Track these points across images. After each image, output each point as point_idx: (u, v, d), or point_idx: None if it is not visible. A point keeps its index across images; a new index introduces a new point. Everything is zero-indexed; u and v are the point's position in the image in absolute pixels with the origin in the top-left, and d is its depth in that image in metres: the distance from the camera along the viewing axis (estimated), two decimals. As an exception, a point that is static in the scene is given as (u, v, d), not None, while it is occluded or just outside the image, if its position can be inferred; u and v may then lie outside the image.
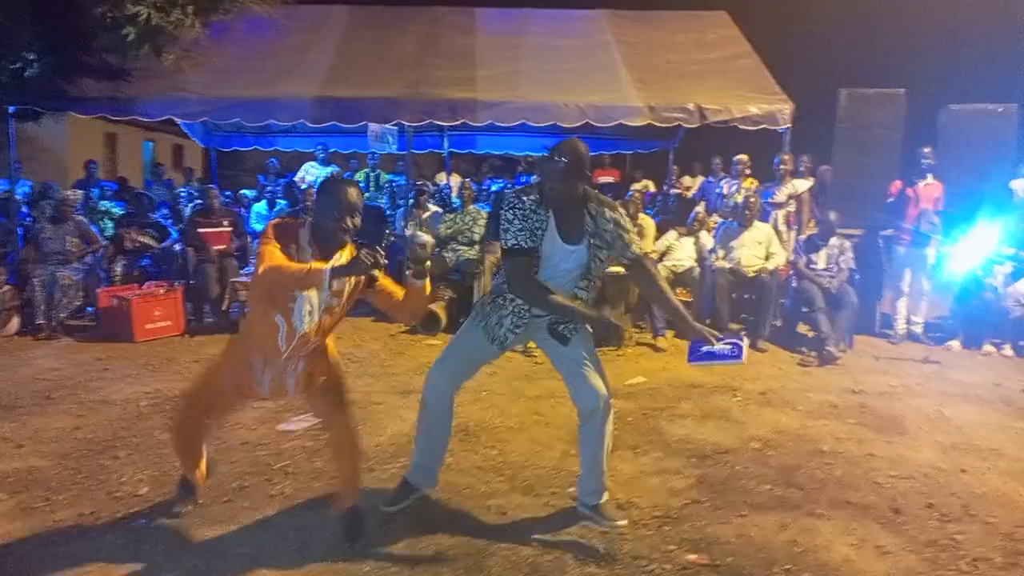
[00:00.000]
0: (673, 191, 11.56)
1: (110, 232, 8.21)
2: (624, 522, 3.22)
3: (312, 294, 2.81)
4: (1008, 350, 6.70)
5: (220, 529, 3.18)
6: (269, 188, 10.55)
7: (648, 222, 6.96)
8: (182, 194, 10.63)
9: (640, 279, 3.24)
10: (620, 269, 6.37)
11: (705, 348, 3.08)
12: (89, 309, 7.28)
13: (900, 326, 7.09)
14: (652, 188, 12.45)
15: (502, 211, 3.02)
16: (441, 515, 3.34)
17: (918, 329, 7.11)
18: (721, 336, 3.13)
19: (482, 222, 7.53)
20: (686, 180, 12.41)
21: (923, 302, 7.12)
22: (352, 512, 3.14)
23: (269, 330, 2.88)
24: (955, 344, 6.86)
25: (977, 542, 3.15)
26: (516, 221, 2.94)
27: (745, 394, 5.20)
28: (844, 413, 4.85)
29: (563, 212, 2.97)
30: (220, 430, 4.19)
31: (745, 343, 3.20)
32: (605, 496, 3.24)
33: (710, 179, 11.05)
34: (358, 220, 2.82)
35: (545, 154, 2.90)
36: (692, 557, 2.97)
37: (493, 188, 11.36)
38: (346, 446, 3.08)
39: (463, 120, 7.37)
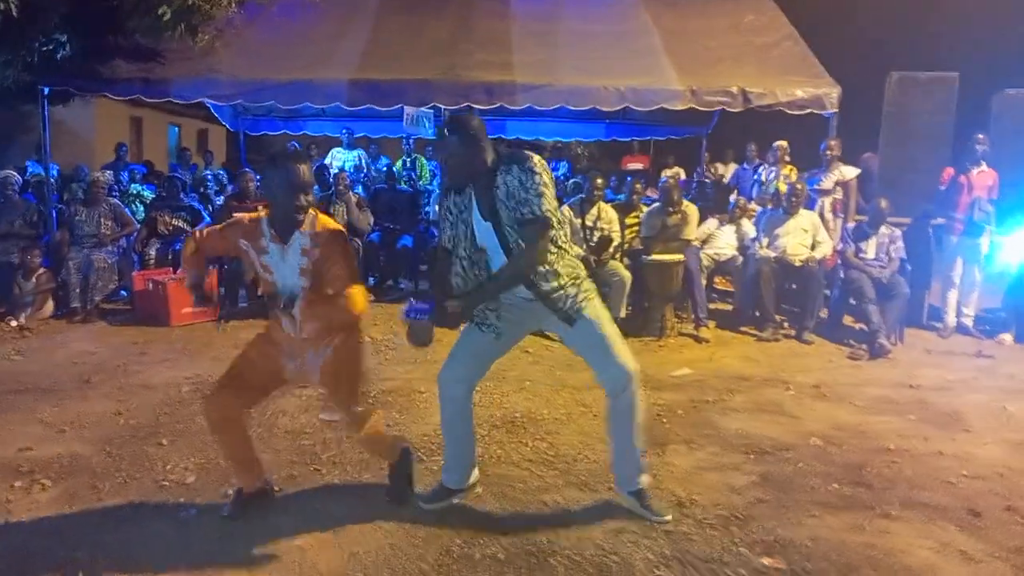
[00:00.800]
0: (706, 178, 11.36)
1: (141, 215, 8.16)
2: (669, 517, 3.10)
3: (280, 275, 2.88)
4: (1063, 344, 6.48)
5: (272, 520, 3.08)
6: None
7: (692, 209, 6.77)
8: (208, 178, 10.57)
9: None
10: (663, 257, 6.21)
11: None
12: (123, 293, 7.24)
13: (950, 318, 6.88)
14: (683, 175, 12.24)
15: None
16: (498, 511, 3.22)
17: (968, 322, 6.89)
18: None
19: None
20: (718, 167, 12.19)
21: (974, 294, 6.90)
22: (395, 469, 3.28)
23: (275, 314, 2.98)
24: (1007, 337, 6.64)
25: (1066, 549, 2.99)
26: (440, 220, 3.07)
27: (797, 387, 5.03)
28: (903, 408, 4.68)
29: (479, 189, 2.87)
30: (260, 417, 4.14)
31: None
32: (646, 479, 3.14)
33: (744, 166, 10.85)
34: (311, 197, 2.80)
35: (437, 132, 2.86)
36: (767, 561, 2.83)
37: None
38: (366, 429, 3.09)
39: (501, 103, 7.21)
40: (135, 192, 8.89)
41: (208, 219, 7.92)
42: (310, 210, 2.84)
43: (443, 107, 7.25)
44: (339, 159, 9.85)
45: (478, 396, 4.64)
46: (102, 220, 7.01)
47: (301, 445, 3.88)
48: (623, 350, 2.99)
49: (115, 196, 7.59)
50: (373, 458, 3.57)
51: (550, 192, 2.82)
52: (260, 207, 7.38)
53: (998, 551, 2.96)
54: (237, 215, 3.10)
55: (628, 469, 3.13)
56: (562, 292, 2.95)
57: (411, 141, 9.96)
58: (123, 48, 7.45)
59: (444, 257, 3.05)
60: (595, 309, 3.01)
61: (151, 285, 6.59)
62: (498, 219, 2.84)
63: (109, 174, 8.41)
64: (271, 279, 2.92)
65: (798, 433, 4.18)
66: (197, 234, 3.14)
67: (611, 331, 3.00)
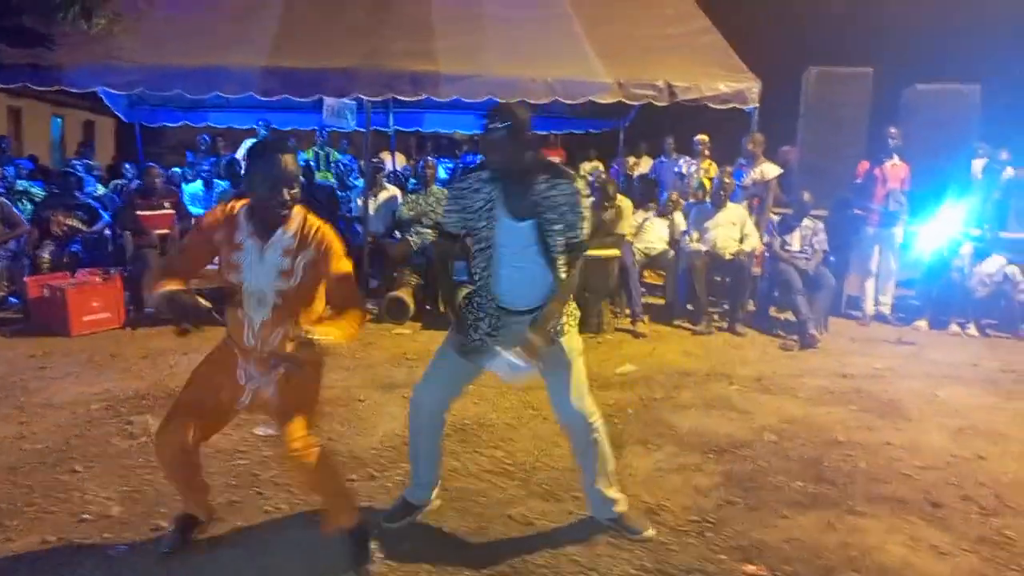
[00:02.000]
0: (625, 172, 11.42)
1: (28, 214, 7.45)
2: (652, 532, 2.98)
3: (252, 275, 2.52)
4: (973, 329, 6.80)
5: (218, 554, 2.78)
6: (205, 167, 9.86)
7: (627, 203, 6.71)
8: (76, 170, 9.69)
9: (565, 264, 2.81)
10: (599, 252, 6.13)
11: (504, 358, 2.70)
12: (12, 300, 6.60)
13: (869, 306, 7.11)
14: (601, 168, 12.26)
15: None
16: (464, 529, 3.03)
17: (886, 310, 7.14)
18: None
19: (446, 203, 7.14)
20: (631, 160, 12.27)
21: (891, 282, 7.15)
22: (353, 533, 2.74)
23: (236, 323, 2.60)
24: (922, 324, 6.91)
25: (1026, 536, 3.05)
26: (447, 202, 2.84)
27: (740, 381, 5.04)
28: (843, 399, 4.75)
29: (511, 186, 2.70)
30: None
31: (534, 371, 2.77)
32: (623, 505, 3.02)
33: (663, 159, 10.93)
34: (296, 191, 2.50)
35: (483, 123, 2.62)
36: (750, 568, 2.76)
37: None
38: (316, 465, 2.55)
39: (426, 95, 6.94)
40: (21, 189, 8.10)
41: (107, 218, 7.32)
42: (296, 207, 2.54)
43: (365, 98, 6.93)
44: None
45: (423, 403, 4.44)
46: (-13, 221, 6.36)
47: (237, 466, 3.56)
48: (584, 391, 2.87)
49: (1, 194, 6.90)
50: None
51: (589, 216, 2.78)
52: (166, 204, 7.01)
53: (965, 543, 2.99)
54: (207, 212, 2.69)
55: (600, 500, 3.01)
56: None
57: (325, 133, 9.52)
58: (6, 31, 6.75)
59: (448, 243, 2.89)
60: (574, 339, 2.89)
61: (48, 291, 6.00)
62: (537, 224, 2.69)
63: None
64: (237, 279, 2.53)
65: (751, 429, 4.16)
66: (167, 260, 2.77)
67: (580, 368, 2.88)
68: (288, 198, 2.47)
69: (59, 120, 20.30)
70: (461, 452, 3.76)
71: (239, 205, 2.58)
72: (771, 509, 3.23)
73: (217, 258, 2.60)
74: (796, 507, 3.26)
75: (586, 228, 2.76)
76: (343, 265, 2.57)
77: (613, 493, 3.00)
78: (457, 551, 2.85)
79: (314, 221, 2.59)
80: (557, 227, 2.69)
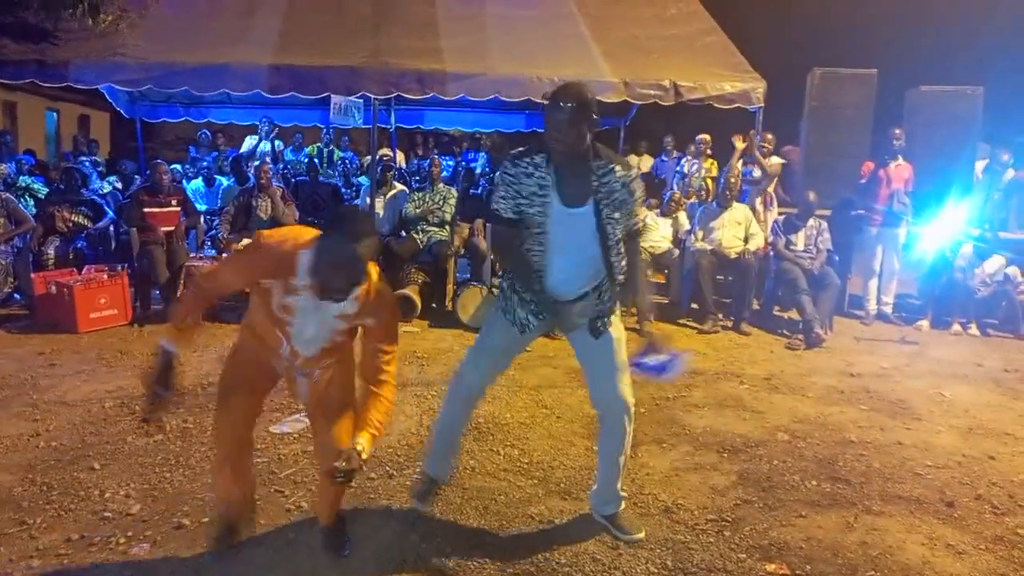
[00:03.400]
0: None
1: (32, 211, 7.43)
2: (642, 535, 2.95)
3: (304, 323, 2.40)
4: (974, 329, 6.85)
5: (244, 552, 2.79)
6: (205, 164, 9.84)
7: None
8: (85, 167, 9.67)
9: (627, 253, 2.79)
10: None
11: (647, 361, 2.80)
12: (16, 296, 6.58)
13: (871, 306, 7.15)
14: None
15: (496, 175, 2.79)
16: (485, 528, 3.05)
17: (888, 309, 7.19)
18: (661, 350, 2.83)
19: (452, 201, 7.16)
20: (632, 159, 12.29)
21: (893, 282, 7.20)
22: (329, 527, 2.82)
23: (269, 335, 2.50)
24: (924, 324, 6.96)
25: (1041, 535, 3.09)
26: (500, 187, 2.70)
27: (750, 380, 5.07)
28: (852, 398, 4.78)
29: (566, 170, 2.60)
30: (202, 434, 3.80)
31: (683, 358, 2.84)
32: (622, 505, 3.05)
33: (663, 158, 10.97)
34: (361, 281, 2.28)
35: (548, 103, 2.50)
36: (771, 568, 2.78)
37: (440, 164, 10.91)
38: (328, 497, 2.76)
39: (433, 93, 6.94)
40: (24, 185, 8.08)
41: (112, 215, 7.30)
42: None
43: (372, 96, 6.93)
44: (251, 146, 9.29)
45: (437, 401, 4.45)
46: (-8, 217, 6.34)
47: (255, 464, 3.56)
48: (627, 379, 2.84)
49: (2, 190, 6.87)
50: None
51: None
52: (173, 201, 6.98)
53: (981, 542, 3.02)
54: (264, 241, 2.38)
55: (607, 495, 3.03)
56: (608, 302, 2.80)
57: (331, 131, 9.51)
58: (11, 27, 6.72)
59: (512, 230, 2.75)
60: (619, 328, 2.86)
61: (55, 288, 5.99)
62: (595, 211, 2.60)
63: (4, 166, 7.61)
64: (288, 322, 2.39)
65: (764, 428, 4.19)
66: (200, 283, 2.57)
67: (624, 357, 2.84)
68: (349, 289, 2.26)
69: (54, 114, 20.20)
70: (477, 451, 3.77)
71: (301, 245, 2.30)
72: (788, 508, 3.26)
73: (263, 287, 2.40)
74: (813, 506, 3.28)
75: (641, 214, 2.77)
76: (393, 341, 2.49)
77: (621, 490, 3.04)
78: (479, 549, 2.87)
79: (378, 286, 2.41)
80: (616, 215, 2.62)
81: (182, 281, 6.34)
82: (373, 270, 2.39)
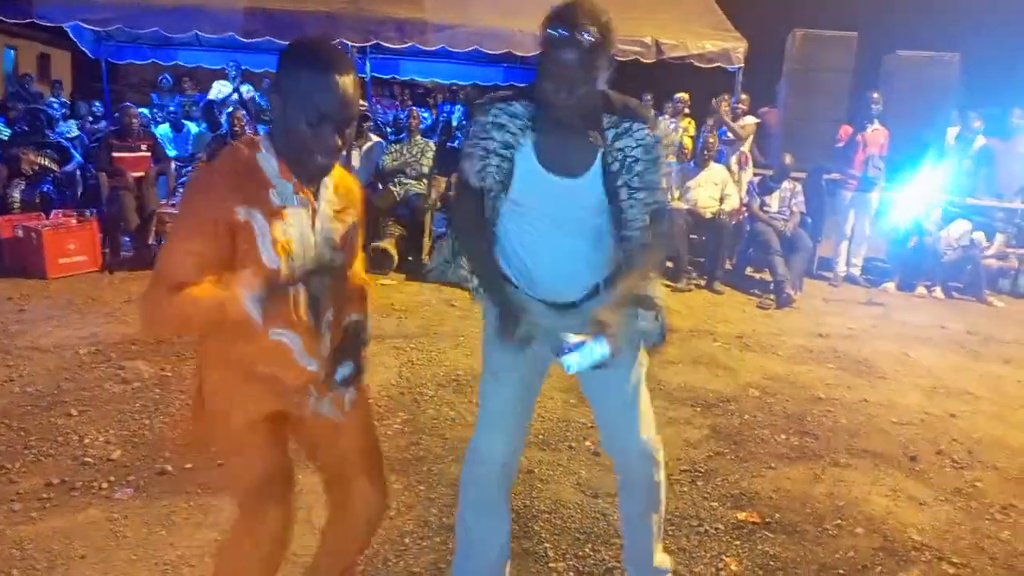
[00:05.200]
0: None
1: (-4, 153, 7.22)
2: None
3: (308, 247, 1.71)
4: (938, 292, 7.03)
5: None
6: (171, 108, 9.59)
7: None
8: (53, 108, 9.40)
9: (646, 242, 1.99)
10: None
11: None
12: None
13: (840, 268, 7.30)
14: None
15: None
16: (466, 475, 3.10)
17: (856, 271, 7.34)
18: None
19: (430, 154, 7.10)
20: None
21: (863, 245, 7.34)
22: None
23: (274, 348, 1.74)
24: (891, 285, 7.13)
25: (997, 489, 3.22)
26: (469, 142, 1.95)
27: (723, 338, 5.17)
28: (820, 357, 4.91)
29: (556, 126, 1.85)
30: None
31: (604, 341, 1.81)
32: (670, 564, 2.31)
33: (641, 116, 10.94)
34: (351, 131, 1.69)
35: (550, 32, 1.71)
36: (742, 516, 2.88)
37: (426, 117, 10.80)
38: (357, 522, 1.96)
39: (413, 43, 6.85)
40: (-16, 126, 7.85)
41: (79, 158, 7.13)
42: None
43: (350, 44, 6.81)
44: (223, 94, 9.06)
45: (416, 354, 4.49)
46: (-45, 157, 6.15)
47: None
48: (649, 414, 2.11)
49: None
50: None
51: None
52: (143, 147, 6.82)
53: (941, 494, 3.15)
54: (210, 165, 1.74)
55: (641, 568, 2.25)
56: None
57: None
58: (-29, -42, 6.46)
59: (475, 201, 1.98)
60: (636, 343, 2.06)
61: (22, 232, 5.87)
62: (607, 188, 1.89)
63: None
64: (283, 265, 1.66)
65: (737, 385, 4.29)
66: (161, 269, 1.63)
67: (644, 386, 2.11)
68: (339, 145, 1.65)
69: (12, 52, 19.50)
70: (457, 402, 3.82)
71: (255, 142, 1.70)
72: (759, 460, 3.37)
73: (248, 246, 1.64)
74: (782, 459, 3.39)
75: (667, 191, 2.02)
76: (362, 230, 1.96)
77: (662, 559, 2.26)
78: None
79: (338, 170, 1.83)
80: (639, 194, 1.88)
81: (153, 228, 6.25)
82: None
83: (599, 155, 1.87)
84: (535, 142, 1.89)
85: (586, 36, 1.68)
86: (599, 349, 1.77)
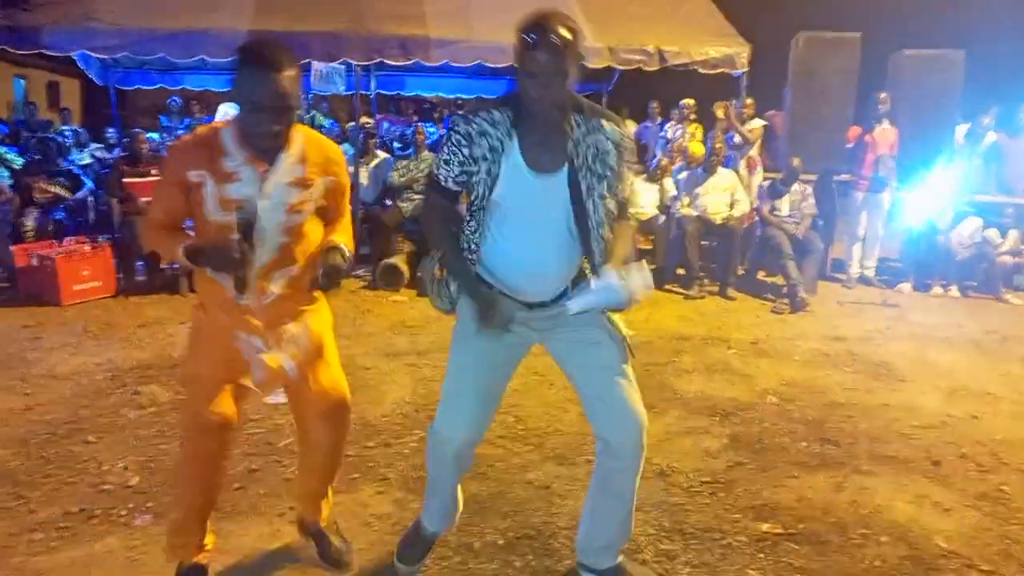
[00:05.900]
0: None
1: (7, 181, 7.27)
2: None
3: (244, 198, 2.05)
4: (954, 291, 6.97)
5: (242, 521, 2.81)
6: (181, 131, 9.67)
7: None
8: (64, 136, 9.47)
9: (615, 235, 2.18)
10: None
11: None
12: (-5, 268, 6.49)
13: (854, 270, 7.25)
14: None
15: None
16: (485, 493, 3.09)
17: (870, 273, 7.29)
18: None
19: (438, 169, 7.10)
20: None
21: (876, 246, 7.29)
22: (318, 535, 2.55)
23: (214, 283, 2.14)
24: (906, 287, 7.07)
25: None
26: (445, 148, 2.10)
27: (738, 345, 5.14)
28: (838, 361, 4.87)
29: (532, 128, 2.03)
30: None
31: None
32: (621, 557, 2.38)
33: (647, 123, 10.93)
34: (291, 117, 2.00)
35: (524, 36, 1.90)
36: (765, 527, 2.85)
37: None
38: (323, 461, 2.42)
39: (416, 59, 6.86)
40: (-3, 155, 7.90)
41: (91, 185, 7.19)
42: (292, 128, 2.07)
43: (354, 63, 6.84)
44: (230, 116, 9.13)
45: (430, 370, 4.48)
46: (-32, 188, 6.22)
47: (252, 435, 3.57)
48: (636, 392, 2.24)
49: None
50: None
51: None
52: (153, 171, 6.86)
53: (966, 499, 3.11)
54: (172, 145, 2.30)
55: (604, 540, 2.35)
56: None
57: (310, 97, 9.37)
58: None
59: (448, 203, 2.18)
60: (618, 331, 2.24)
61: (36, 260, 5.91)
62: (571, 180, 2.05)
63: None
64: (233, 219, 2.05)
65: (753, 392, 4.26)
66: (148, 207, 2.32)
67: (629, 367, 2.24)
68: (272, 130, 1.98)
69: (22, 81, 19.72)
70: (473, 418, 3.80)
71: (220, 125, 2.10)
72: (780, 469, 3.33)
73: (200, 200, 2.07)
74: (804, 467, 3.36)
75: (630, 186, 2.22)
76: (347, 193, 2.31)
77: (628, 535, 2.38)
78: (478, 515, 2.90)
79: (318, 139, 2.21)
80: (603, 186, 2.06)
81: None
82: (304, 127, 2.20)
83: (569, 149, 2.04)
84: (519, 143, 2.05)
85: (558, 41, 1.88)
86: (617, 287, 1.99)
